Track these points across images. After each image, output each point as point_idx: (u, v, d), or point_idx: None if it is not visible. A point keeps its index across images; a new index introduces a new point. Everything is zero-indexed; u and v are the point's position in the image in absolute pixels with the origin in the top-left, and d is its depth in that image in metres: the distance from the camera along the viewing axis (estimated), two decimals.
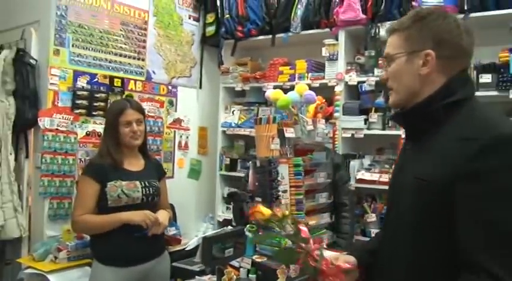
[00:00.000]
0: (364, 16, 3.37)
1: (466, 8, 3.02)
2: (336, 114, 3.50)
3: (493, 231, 1.18)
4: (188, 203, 4.19)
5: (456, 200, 1.22)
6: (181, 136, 4.19)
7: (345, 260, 1.54)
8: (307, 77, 3.73)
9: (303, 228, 1.59)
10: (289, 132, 2.43)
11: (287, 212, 1.63)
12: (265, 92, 3.01)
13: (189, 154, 4.28)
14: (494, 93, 2.95)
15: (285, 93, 2.60)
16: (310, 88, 3.54)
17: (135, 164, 2.68)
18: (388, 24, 3.16)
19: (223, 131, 4.31)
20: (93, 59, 3.49)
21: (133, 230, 2.46)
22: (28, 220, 3.29)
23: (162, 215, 2.60)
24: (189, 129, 4.25)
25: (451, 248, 1.24)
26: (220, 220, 4.22)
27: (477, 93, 2.93)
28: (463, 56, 1.40)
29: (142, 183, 2.59)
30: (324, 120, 2.66)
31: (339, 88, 3.51)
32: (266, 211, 1.77)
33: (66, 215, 3.25)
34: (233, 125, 4.22)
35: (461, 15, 3.02)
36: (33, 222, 3.30)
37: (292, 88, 3.23)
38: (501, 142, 1.21)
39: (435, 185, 1.26)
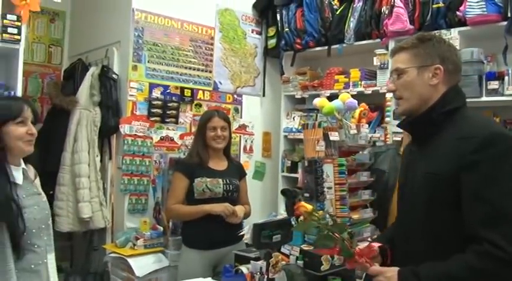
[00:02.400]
0: (411, 27, 3.49)
1: (509, 15, 3.10)
2: (387, 119, 3.70)
3: (493, 208, 1.44)
4: (253, 202, 4.42)
5: (462, 186, 1.50)
6: (246, 140, 4.49)
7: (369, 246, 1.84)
8: (361, 85, 3.91)
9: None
10: (334, 136, 2.71)
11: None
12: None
13: (254, 157, 4.57)
14: None
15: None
16: (363, 95, 3.82)
17: (219, 164, 3.13)
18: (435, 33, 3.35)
19: (285, 136, 4.56)
20: (166, 73, 3.89)
21: (214, 219, 2.92)
22: (111, 213, 3.69)
23: (239, 209, 3.02)
24: (253, 134, 4.54)
25: (456, 224, 1.52)
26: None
27: None
28: (459, 71, 1.72)
29: (224, 180, 3.05)
30: (367, 125, 2.91)
31: (390, 95, 3.70)
32: (308, 206, 2.05)
33: (143, 209, 3.65)
34: (294, 130, 4.48)
35: (505, 23, 3.16)
36: (115, 215, 3.70)
37: None
38: (495, 138, 1.51)
39: (443, 177, 1.54)
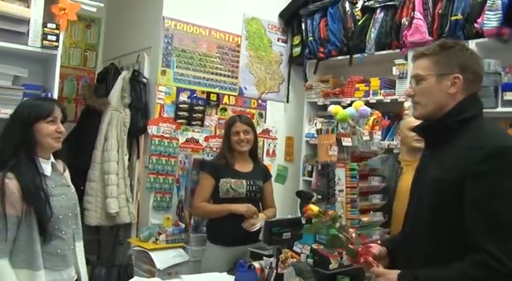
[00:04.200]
0: (430, 38, 3.55)
1: None
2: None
3: (492, 220, 1.46)
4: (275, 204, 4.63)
5: (465, 195, 1.52)
6: (269, 144, 4.63)
7: (378, 249, 1.91)
8: (380, 93, 3.99)
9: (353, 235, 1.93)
10: (347, 142, 2.83)
11: (337, 214, 2.01)
12: (344, 106, 3.43)
13: (277, 161, 4.69)
14: None
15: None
16: (382, 103, 3.92)
17: (244, 166, 3.30)
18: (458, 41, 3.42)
19: (307, 141, 4.66)
20: (193, 78, 4.07)
21: (237, 218, 3.08)
22: (137, 209, 3.87)
23: (261, 216, 3.15)
24: (276, 139, 4.67)
25: (459, 231, 1.53)
26: None
27: None
28: (479, 80, 1.72)
29: (248, 182, 3.22)
30: (380, 132, 3.02)
31: (408, 104, 3.75)
32: (315, 208, 2.11)
33: (167, 207, 3.83)
34: (315, 135, 4.57)
35: None
36: (140, 211, 3.89)
37: (366, 103, 3.62)
38: (502, 150, 1.52)
39: (449, 184, 1.57)
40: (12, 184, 1.96)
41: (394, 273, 1.65)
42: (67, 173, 2.30)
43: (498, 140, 1.57)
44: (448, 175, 1.58)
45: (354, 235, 1.86)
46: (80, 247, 2.27)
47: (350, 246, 1.85)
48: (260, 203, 3.35)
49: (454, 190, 1.55)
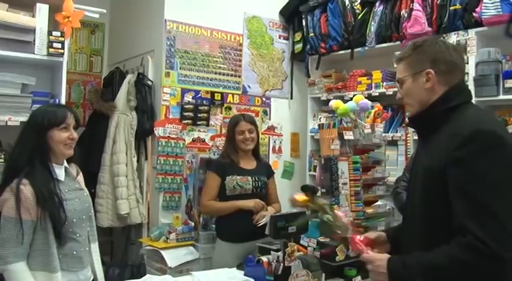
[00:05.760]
0: (429, 29, 3.58)
1: None
2: (407, 119, 3.83)
3: (473, 203, 1.51)
4: (282, 200, 4.66)
5: (448, 181, 1.58)
6: (274, 141, 4.68)
7: (376, 235, 1.98)
8: (382, 86, 4.01)
9: (339, 213, 2.02)
10: (348, 135, 2.89)
11: (324, 202, 2.05)
12: (347, 100, 3.47)
13: (283, 157, 4.74)
14: None
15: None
16: (385, 96, 3.96)
17: (248, 163, 3.36)
18: (452, 34, 3.45)
19: (312, 136, 4.69)
20: (197, 78, 4.13)
21: (245, 214, 3.13)
22: (147, 209, 3.95)
23: (270, 210, 3.22)
24: (282, 135, 4.72)
25: (448, 217, 1.58)
26: None
27: None
28: (456, 69, 1.76)
29: (253, 178, 3.28)
30: (381, 124, 3.07)
31: None
32: (300, 198, 2.15)
33: (176, 206, 3.90)
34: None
35: None
36: (151, 211, 3.96)
37: (369, 96, 3.67)
38: (478, 134, 1.57)
39: (435, 172, 1.63)
40: (27, 189, 2.03)
41: (383, 259, 1.70)
42: (80, 177, 2.36)
43: (476, 125, 1.61)
44: (434, 163, 1.64)
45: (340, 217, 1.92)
46: (95, 248, 2.34)
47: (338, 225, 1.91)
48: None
49: (440, 177, 1.60)
